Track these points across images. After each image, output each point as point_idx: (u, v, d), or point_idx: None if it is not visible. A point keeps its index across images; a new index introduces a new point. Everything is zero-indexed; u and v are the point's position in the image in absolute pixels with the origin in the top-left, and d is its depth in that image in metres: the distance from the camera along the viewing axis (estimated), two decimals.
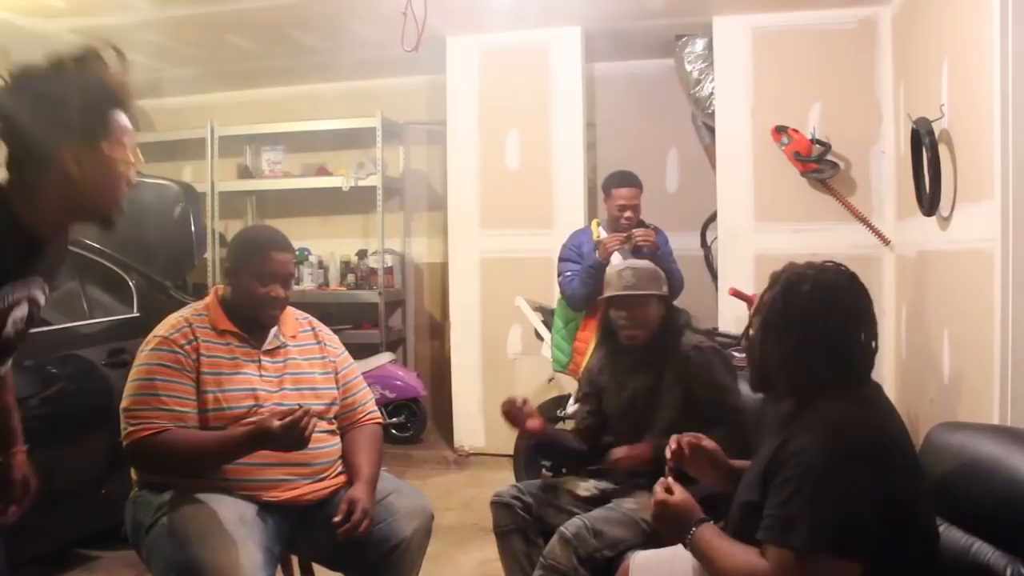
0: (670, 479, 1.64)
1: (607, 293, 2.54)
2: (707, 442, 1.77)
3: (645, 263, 2.66)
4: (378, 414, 2.36)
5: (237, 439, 1.96)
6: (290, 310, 2.27)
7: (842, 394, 1.49)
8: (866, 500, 1.36)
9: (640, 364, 2.50)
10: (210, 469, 2.01)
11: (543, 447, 3.27)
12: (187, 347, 2.06)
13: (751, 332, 1.60)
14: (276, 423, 1.88)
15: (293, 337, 2.24)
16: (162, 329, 2.10)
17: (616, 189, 3.71)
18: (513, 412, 2.40)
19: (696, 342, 2.48)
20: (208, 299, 2.21)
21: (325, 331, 2.36)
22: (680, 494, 1.60)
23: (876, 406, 1.51)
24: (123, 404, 2.02)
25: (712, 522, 1.57)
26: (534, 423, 2.45)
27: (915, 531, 1.43)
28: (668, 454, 1.72)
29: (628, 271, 2.53)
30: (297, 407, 1.92)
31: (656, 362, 2.47)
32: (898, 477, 1.41)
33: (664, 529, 1.63)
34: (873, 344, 1.55)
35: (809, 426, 1.45)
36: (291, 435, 1.88)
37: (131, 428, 1.97)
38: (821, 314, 1.51)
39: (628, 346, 2.52)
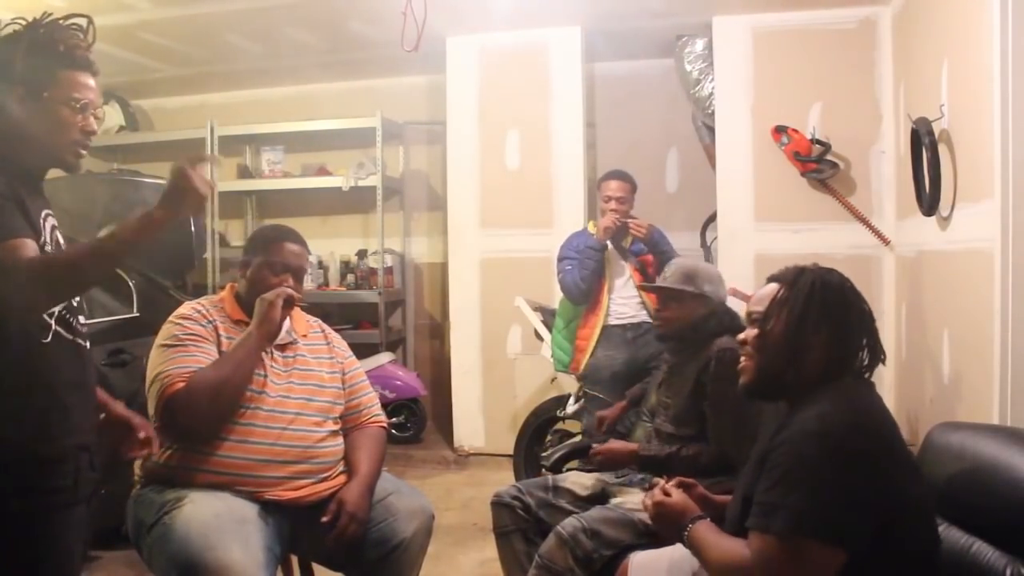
0: (667, 484, 1.69)
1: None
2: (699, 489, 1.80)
3: (696, 263, 2.74)
4: (383, 417, 2.36)
5: (248, 333, 2.05)
6: (301, 311, 2.30)
7: (839, 388, 1.51)
8: (850, 488, 1.37)
9: (672, 351, 2.61)
10: (241, 387, 2.03)
11: None
12: (208, 325, 2.13)
13: (778, 332, 1.58)
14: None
15: (304, 336, 2.28)
16: (181, 310, 2.17)
17: (605, 182, 3.76)
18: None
19: (726, 345, 2.40)
20: (223, 293, 2.27)
21: (334, 334, 2.40)
22: (677, 495, 1.64)
23: (869, 401, 1.52)
24: (152, 374, 2.03)
25: (708, 519, 1.59)
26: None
27: (910, 528, 1.43)
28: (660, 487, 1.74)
29: (672, 266, 2.66)
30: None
31: (682, 353, 2.54)
32: (887, 470, 1.41)
33: (662, 528, 1.67)
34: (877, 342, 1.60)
35: (802, 417, 1.47)
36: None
37: (164, 385, 1.97)
38: (851, 303, 1.58)
39: (659, 333, 2.65)
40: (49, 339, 1.55)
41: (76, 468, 1.59)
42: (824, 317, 1.55)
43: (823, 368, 1.53)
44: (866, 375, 1.58)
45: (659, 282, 2.65)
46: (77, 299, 1.66)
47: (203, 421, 2.00)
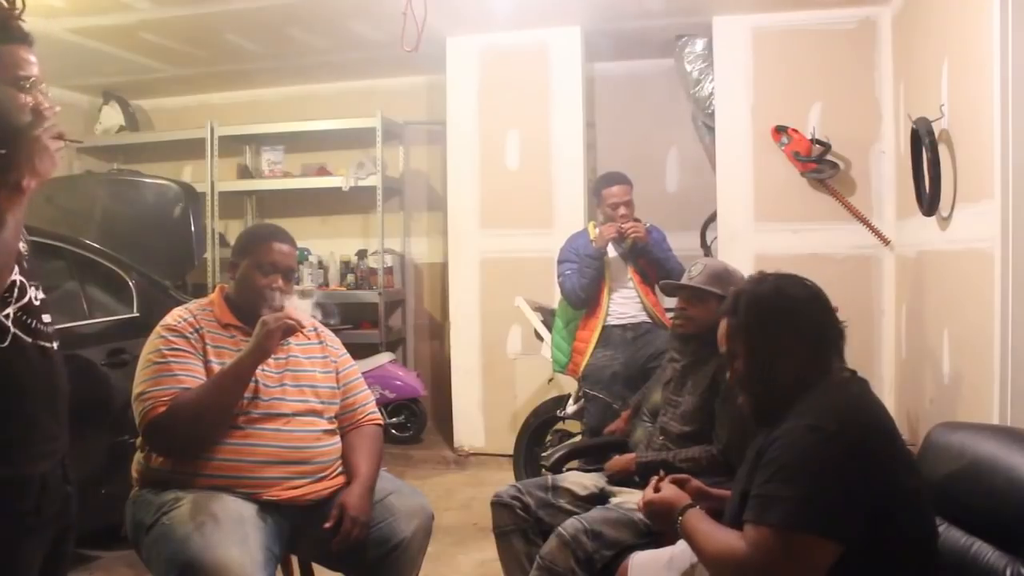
0: (659, 481, 1.71)
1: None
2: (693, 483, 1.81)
3: (726, 265, 2.66)
4: (378, 415, 2.36)
5: (241, 359, 2.01)
6: (292, 308, 2.27)
7: (832, 384, 1.53)
8: (845, 481, 1.37)
9: (686, 351, 2.55)
10: (225, 411, 2.01)
11: None
12: (193, 335, 2.10)
13: (741, 364, 1.60)
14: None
15: (296, 336, 2.25)
16: (168, 320, 2.15)
17: (606, 189, 3.71)
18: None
19: None
20: (212, 296, 2.26)
21: (327, 332, 2.38)
22: (668, 489, 1.66)
23: (862, 397, 1.53)
24: (136, 391, 2.03)
25: (698, 507, 1.60)
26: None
27: (907, 520, 1.43)
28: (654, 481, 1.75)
29: (699, 265, 2.60)
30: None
31: (699, 352, 2.49)
32: (882, 463, 1.42)
33: (656, 524, 1.68)
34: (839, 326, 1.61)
35: (797, 412, 1.48)
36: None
37: (147, 408, 1.98)
38: (792, 300, 1.58)
39: (679, 333, 2.58)
40: (7, 343, 1.44)
41: (41, 475, 1.52)
42: (773, 333, 1.56)
43: (803, 372, 1.54)
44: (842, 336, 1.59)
45: (684, 280, 2.59)
46: (39, 298, 1.53)
47: (184, 444, 2.01)
